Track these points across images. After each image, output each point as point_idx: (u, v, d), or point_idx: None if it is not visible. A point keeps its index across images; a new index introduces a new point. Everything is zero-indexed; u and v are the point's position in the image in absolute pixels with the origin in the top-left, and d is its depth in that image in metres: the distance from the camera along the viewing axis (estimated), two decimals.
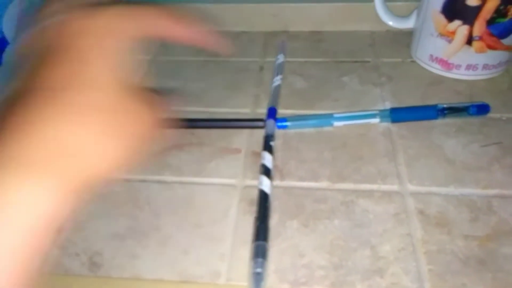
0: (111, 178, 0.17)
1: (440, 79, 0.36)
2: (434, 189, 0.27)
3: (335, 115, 0.32)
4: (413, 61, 0.39)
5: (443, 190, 0.27)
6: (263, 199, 0.26)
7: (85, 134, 0.17)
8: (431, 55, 0.36)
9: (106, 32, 0.18)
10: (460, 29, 0.33)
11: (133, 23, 0.19)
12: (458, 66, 0.35)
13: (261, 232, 0.24)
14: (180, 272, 0.24)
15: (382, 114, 0.32)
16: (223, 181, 0.29)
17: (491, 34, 0.33)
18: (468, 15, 0.33)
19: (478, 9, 0.32)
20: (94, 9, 0.18)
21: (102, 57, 0.18)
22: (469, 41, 0.34)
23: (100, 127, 0.17)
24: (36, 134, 0.16)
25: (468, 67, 0.35)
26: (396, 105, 0.33)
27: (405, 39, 0.40)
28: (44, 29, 0.18)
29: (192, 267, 0.24)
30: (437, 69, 0.37)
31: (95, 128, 0.17)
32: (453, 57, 0.35)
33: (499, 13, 0.32)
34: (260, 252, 0.23)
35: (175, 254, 0.25)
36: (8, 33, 0.38)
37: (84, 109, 0.17)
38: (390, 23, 0.40)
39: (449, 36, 0.34)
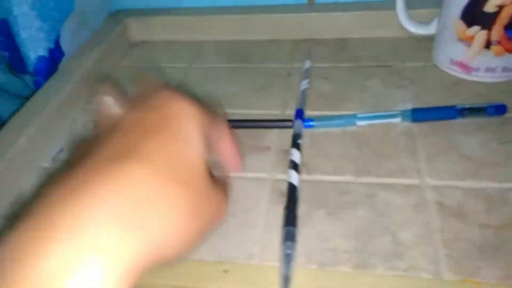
0: (176, 259, 0.17)
1: (460, 82, 0.38)
2: (452, 183, 0.29)
3: (359, 115, 0.34)
4: (435, 65, 0.40)
5: (461, 184, 0.29)
6: (292, 191, 0.29)
7: (166, 213, 0.16)
8: (452, 59, 0.38)
9: (192, 107, 0.19)
10: (478, 34, 0.35)
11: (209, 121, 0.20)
12: (477, 69, 0.37)
13: (291, 218, 0.27)
14: (219, 253, 0.26)
15: (404, 114, 0.34)
16: (255, 175, 0.32)
17: (509, 39, 0.35)
18: (486, 21, 0.34)
19: (495, 15, 0.34)
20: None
21: (197, 137, 0.18)
22: (488, 45, 0.35)
23: (183, 207, 0.16)
24: (102, 200, 0.15)
25: (487, 70, 0.37)
26: (418, 106, 0.35)
27: (426, 44, 0.42)
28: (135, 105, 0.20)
29: (228, 250, 0.27)
30: (457, 72, 0.38)
31: (178, 207, 0.16)
32: (473, 60, 0.37)
33: None
34: (289, 236, 0.26)
35: (213, 238, 0.27)
36: (65, 45, 0.42)
37: (169, 178, 0.16)
38: (412, 29, 0.42)
39: (468, 41, 0.36)
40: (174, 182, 0.17)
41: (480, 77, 0.37)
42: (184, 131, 0.18)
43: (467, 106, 0.33)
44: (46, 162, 0.35)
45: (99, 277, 0.14)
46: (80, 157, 0.17)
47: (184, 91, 0.21)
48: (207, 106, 0.21)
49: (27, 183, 0.33)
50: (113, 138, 0.18)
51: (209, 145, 0.20)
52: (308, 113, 0.36)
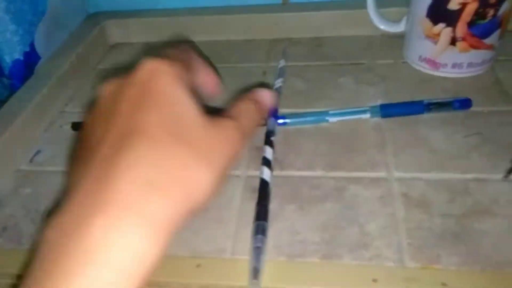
0: (204, 206, 0.18)
1: (429, 78, 0.39)
2: (417, 175, 0.30)
3: (330, 112, 0.35)
4: (405, 62, 0.42)
5: (425, 175, 0.30)
6: (264, 186, 0.30)
7: (176, 166, 0.18)
8: (420, 56, 0.39)
9: (178, 74, 0.21)
10: (444, 31, 0.37)
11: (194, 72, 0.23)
12: (444, 65, 0.38)
13: (262, 213, 0.28)
14: (191, 249, 0.27)
15: (373, 110, 0.35)
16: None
17: (473, 35, 0.36)
18: (450, 18, 0.36)
19: (459, 12, 0.35)
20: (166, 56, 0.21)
21: (180, 92, 0.20)
22: (453, 41, 0.37)
23: (190, 156, 0.18)
24: (127, 174, 0.17)
25: (454, 65, 0.38)
26: (388, 102, 0.36)
27: (398, 42, 0.43)
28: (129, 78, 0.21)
29: (201, 245, 0.27)
30: (426, 69, 0.40)
31: (185, 158, 0.18)
32: (440, 57, 0.38)
33: (479, 15, 0.35)
34: (260, 230, 0.27)
35: (186, 234, 0.28)
36: (40, 48, 0.42)
37: (171, 142, 0.18)
38: (383, 27, 0.43)
39: (434, 38, 0.37)
40: (176, 142, 0.19)
41: (448, 73, 0.39)
42: (168, 94, 0.20)
43: (434, 101, 0.35)
44: (23, 164, 0.35)
45: (133, 237, 0.16)
46: (88, 145, 0.20)
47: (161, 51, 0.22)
48: (181, 54, 0.23)
49: (4, 186, 0.33)
50: (113, 121, 0.20)
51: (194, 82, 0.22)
52: (282, 110, 0.37)
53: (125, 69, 0.22)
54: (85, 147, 0.21)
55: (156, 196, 0.17)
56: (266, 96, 0.26)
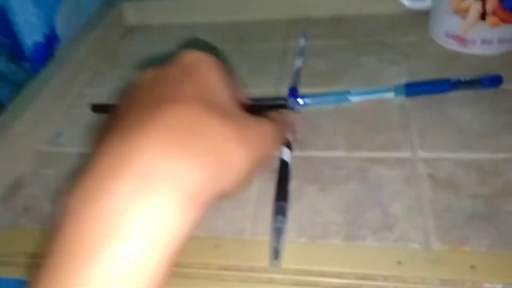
0: (235, 189, 0.17)
1: (456, 55, 0.38)
2: (444, 155, 0.29)
3: (352, 91, 0.34)
4: (431, 39, 0.40)
5: (453, 155, 0.29)
6: (284, 167, 0.29)
7: (211, 135, 0.17)
8: (447, 32, 0.38)
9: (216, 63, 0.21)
10: (473, 5, 0.35)
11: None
12: (473, 42, 0.36)
13: (282, 193, 0.27)
14: (212, 229, 0.27)
15: (397, 89, 0.34)
16: None
17: (504, 9, 0.34)
18: None
19: None
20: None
21: (220, 81, 0.20)
22: (483, 16, 0.35)
23: (226, 128, 0.17)
24: (159, 135, 0.16)
25: (483, 42, 0.36)
26: (413, 81, 0.35)
27: (422, 18, 0.41)
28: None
29: (220, 225, 0.27)
30: (453, 46, 0.38)
31: (224, 133, 0.17)
32: (468, 33, 0.36)
33: None
34: (280, 210, 0.26)
35: (207, 214, 0.28)
36: (61, 31, 0.42)
37: (208, 112, 0.17)
38: (408, 3, 0.41)
39: (463, 13, 0.36)
40: (215, 114, 0.17)
41: (476, 49, 0.37)
42: (207, 78, 0.20)
43: (462, 79, 0.33)
44: (43, 145, 0.35)
45: (163, 205, 0.14)
46: (122, 111, 0.19)
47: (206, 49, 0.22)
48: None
49: (25, 166, 0.33)
50: (149, 90, 0.19)
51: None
52: (302, 90, 0.36)
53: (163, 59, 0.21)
54: (115, 119, 0.19)
55: (189, 163, 0.15)
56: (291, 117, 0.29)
